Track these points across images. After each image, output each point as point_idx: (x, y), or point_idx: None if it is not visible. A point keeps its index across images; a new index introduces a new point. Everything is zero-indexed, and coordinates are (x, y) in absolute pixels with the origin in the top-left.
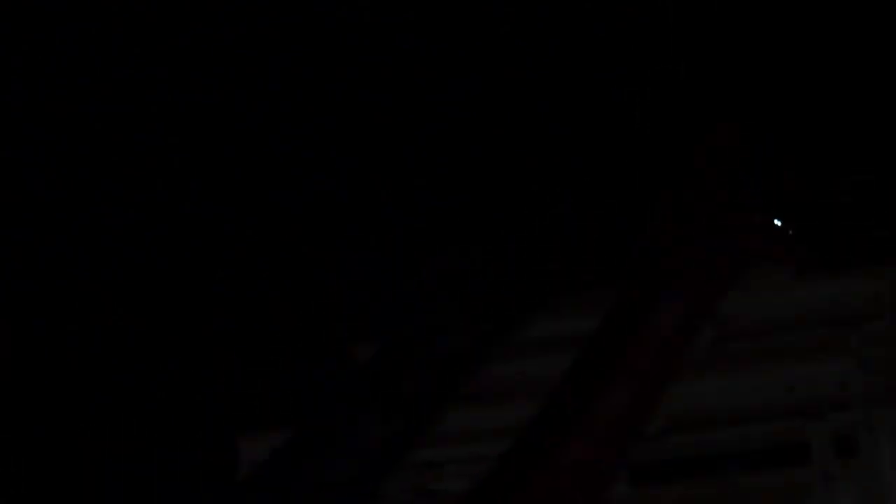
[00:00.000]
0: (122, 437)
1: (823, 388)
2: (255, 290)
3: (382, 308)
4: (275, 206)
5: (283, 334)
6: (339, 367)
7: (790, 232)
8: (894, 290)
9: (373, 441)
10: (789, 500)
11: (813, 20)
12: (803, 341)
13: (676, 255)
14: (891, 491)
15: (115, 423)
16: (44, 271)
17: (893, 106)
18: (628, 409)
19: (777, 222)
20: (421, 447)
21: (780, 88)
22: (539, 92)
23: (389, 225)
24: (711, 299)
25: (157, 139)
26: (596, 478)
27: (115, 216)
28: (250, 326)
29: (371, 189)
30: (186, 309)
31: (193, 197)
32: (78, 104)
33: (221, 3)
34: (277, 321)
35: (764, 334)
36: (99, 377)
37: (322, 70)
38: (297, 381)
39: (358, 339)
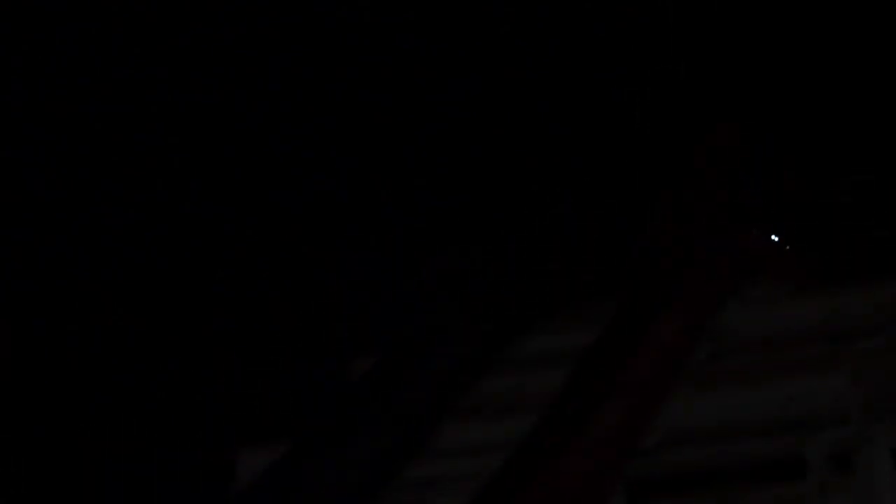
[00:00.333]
0: (122, 438)
1: (820, 402)
2: (256, 290)
3: (382, 311)
4: (275, 206)
5: (280, 344)
6: (335, 379)
7: (787, 246)
8: (892, 304)
9: (369, 455)
10: None
11: (812, 20)
12: (800, 356)
13: (676, 255)
14: None
15: (115, 423)
16: (44, 271)
17: (893, 106)
18: (625, 423)
19: (774, 237)
20: (418, 462)
21: (780, 88)
22: (539, 92)
23: (389, 225)
24: (708, 313)
25: (157, 139)
26: (593, 492)
27: (115, 216)
28: (249, 331)
29: (371, 189)
30: (186, 309)
31: (193, 197)
32: (78, 104)
33: (221, 3)
34: (275, 326)
35: (760, 348)
36: (99, 377)
37: (322, 70)
38: (294, 393)
39: (356, 350)
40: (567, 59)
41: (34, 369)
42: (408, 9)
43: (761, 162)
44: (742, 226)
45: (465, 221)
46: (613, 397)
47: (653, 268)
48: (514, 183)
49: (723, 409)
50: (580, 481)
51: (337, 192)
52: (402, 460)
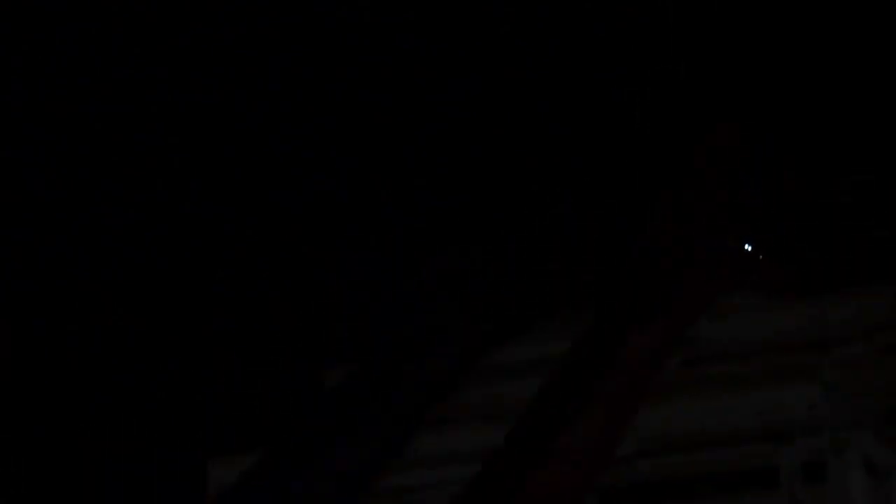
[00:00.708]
0: (121, 437)
1: (793, 412)
2: (256, 290)
3: (382, 311)
4: (275, 206)
5: (267, 347)
6: (310, 389)
7: (761, 257)
8: (864, 315)
9: (345, 464)
10: None
11: (812, 21)
12: (773, 365)
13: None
14: None
15: (115, 423)
16: (44, 271)
17: (893, 106)
18: (599, 432)
19: (748, 247)
20: (393, 471)
21: (780, 88)
22: (539, 92)
23: (389, 225)
24: (682, 325)
25: (157, 139)
26: (569, 500)
27: (115, 216)
28: (247, 331)
29: (371, 189)
30: (186, 309)
31: (193, 197)
32: (78, 104)
33: (221, 3)
34: (272, 326)
35: (734, 358)
36: (98, 377)
37: (322, 70)
38: (269, 404)
39: (329, 361)
40: (567, 59)
41: (34, 369)
42: (408, 9)
43: (761, 162)
44: (713, 252)
45: (465, 221)
46: (588, 406)
47: (647, 269)
48: (514, 183)
49: (697, 418)
50: (554, 490)
51: (337, 192)
52: (376, 469)
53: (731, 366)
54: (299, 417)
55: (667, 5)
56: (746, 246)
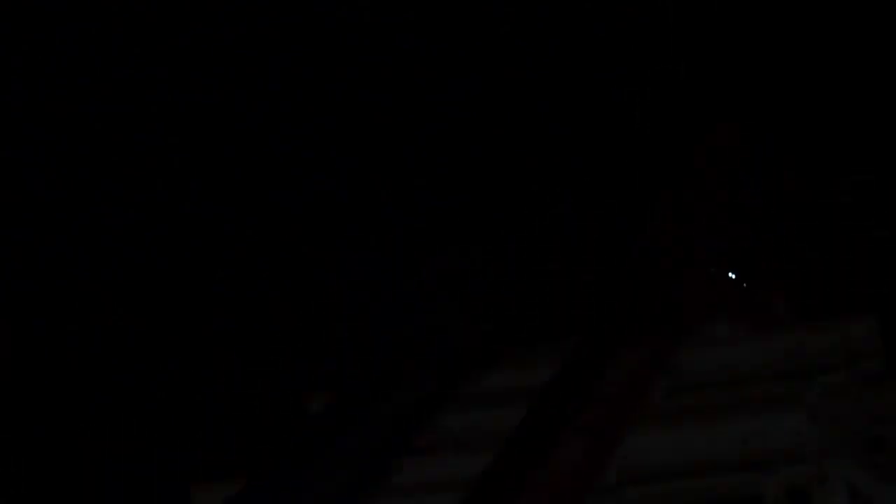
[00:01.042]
0: (121, 437)
1: (778, 440)
2: (256, 290)
3: (382, 311)
4: (275, 206)
5: (235, 383)
6: (292, 418)
7: (745, 285)
8: (848, 343)
9: (326, 492)
10: None
11: (812, 21)
12: (758, 394)
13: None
14: None
15: (115, 423)
16: (44, 271)
17: (893, 106)
18: (582, 461)
19: (731, 275)
20: (374, 499)
21: (780, 88)
22: (539, 92)
23: (389, 225)
24: (665, 354)
25: (157, 139)
26: None
27: (115, 216)
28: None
29: (371, 189)
30: (186, 309)
31: (193, 197)
32: (78, 104)
33: (221, 3)
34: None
35: (718, 387)
36: (98, 377)
37: (322, 70)
38: (251, 430)
39: (311, 390)
40: (567, 59)
41: (34, 369)
42: (408, 9)
43: (761, 162)
44: (696, 281)
45: (465, 221)
46: (569, 437)
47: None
48: (514, 183)
49: (681, 446)
50: None
51: (337, 192)
52: (358, 497)
53: (715, 394)
54: (281, 445)
55: (667, 5)
56: (731, 275)
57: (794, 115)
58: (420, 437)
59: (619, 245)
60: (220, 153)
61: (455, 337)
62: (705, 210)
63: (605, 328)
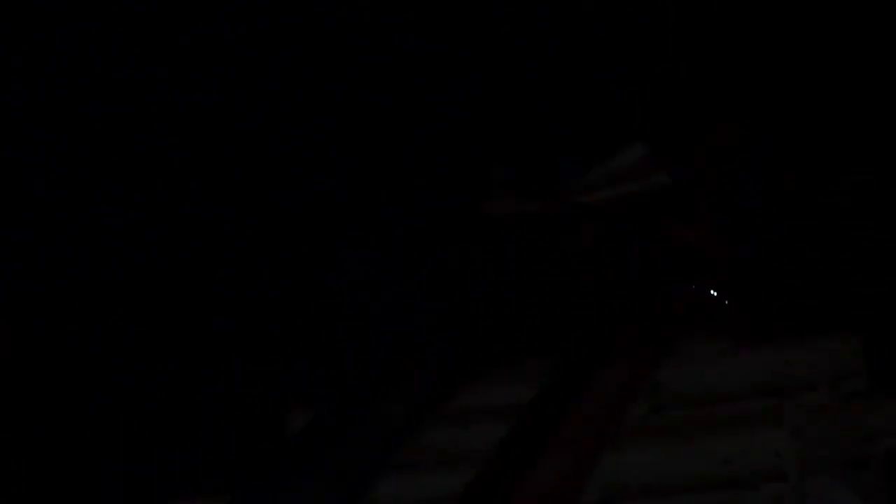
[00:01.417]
0: (121, 437)
1: (758, 458)
2: (256, 290)
3: (382, 311)
4: (275, 206)
5: (235, 383)
6: (275, 433)
7: (726, 303)
8: (830, 361)
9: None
10: None
11: (812, 22)
12: (738, 412)
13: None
14: None
15: (115, 423)
16: (44, 271)
17: (893, 106)
18: (563, 479)
19: (713, 293)
20: None
21: (780, 88)
22: (539, 92)
23: (389, 225)
24: (645, 371)
25: (157, 139)
26: None
27: (115, 216)
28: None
29: (371, 189)
30: (186, 309)
31: (193, 197)
32: (78, 104)
33: (221, 3)
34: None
35: (699, 404)
36: (98, 377)
37: (322, 70)
38: (233, 449)
39: (294, 404)
40: (567, 59)
41: (34, 369)
42: (408, 9)
43: (761, 162)
44: (677, 298)
45: (465, 221)
46: (549, 455)
47: (591, 336)
48: (514, 183)
49: (662, 464)
50: None
51: (337, 192)
52: None
53: (696, 412)
54: (263, 462)
55: (667, 5)
56: (712, 292)
57: (794, 115)
58: (404, 452)
59: (619, 244)
60: (220, 153)
61: (455, 337)
62: (705, 210)
63: (588, 344)
